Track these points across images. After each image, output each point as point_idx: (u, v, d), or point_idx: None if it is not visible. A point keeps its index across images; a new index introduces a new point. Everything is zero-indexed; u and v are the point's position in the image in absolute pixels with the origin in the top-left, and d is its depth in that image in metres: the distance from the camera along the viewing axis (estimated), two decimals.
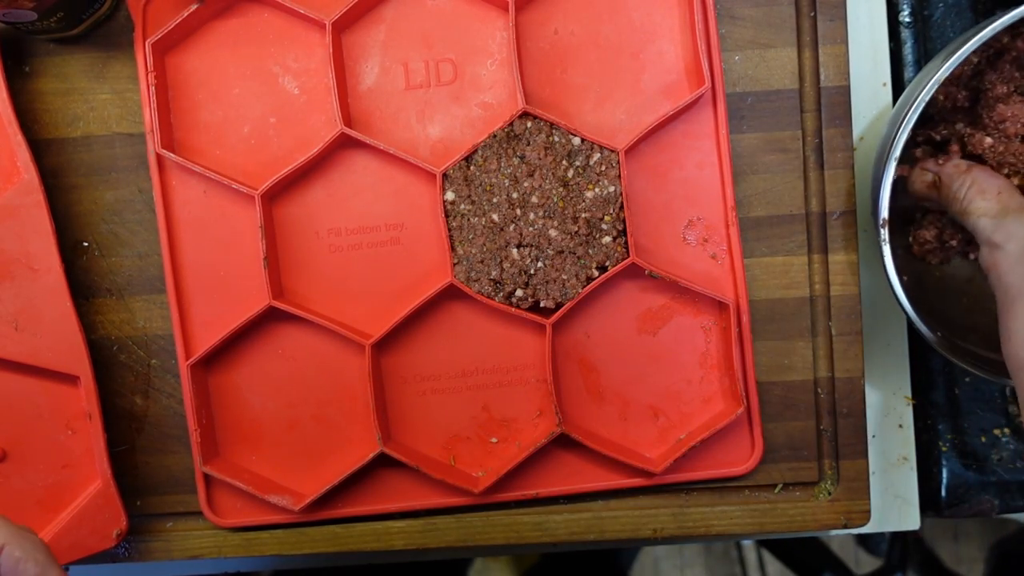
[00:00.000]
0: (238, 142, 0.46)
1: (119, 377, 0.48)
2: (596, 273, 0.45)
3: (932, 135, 0.47)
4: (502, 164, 0.44)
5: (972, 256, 0.48)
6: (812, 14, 0.46)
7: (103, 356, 0.48)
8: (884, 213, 0.43)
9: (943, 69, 0.41)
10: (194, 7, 0.45)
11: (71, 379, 0.45)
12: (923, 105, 0.41)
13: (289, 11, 0.45)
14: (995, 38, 0.44)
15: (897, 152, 0.42)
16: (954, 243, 0.47)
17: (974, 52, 0.44)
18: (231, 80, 0.46)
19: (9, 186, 0.44)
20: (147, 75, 0.45)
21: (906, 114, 0.42)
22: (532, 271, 0.45)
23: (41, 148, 0.47)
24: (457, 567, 0.89)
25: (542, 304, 0.45)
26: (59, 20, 0.44)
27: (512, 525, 0.48)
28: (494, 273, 0.45)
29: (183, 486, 0.48)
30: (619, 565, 0.98)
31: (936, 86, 0.41)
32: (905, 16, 0.49)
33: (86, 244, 0.48)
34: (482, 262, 0.45)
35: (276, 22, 0.46)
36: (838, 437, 0.47)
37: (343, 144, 0.46)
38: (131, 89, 0.47)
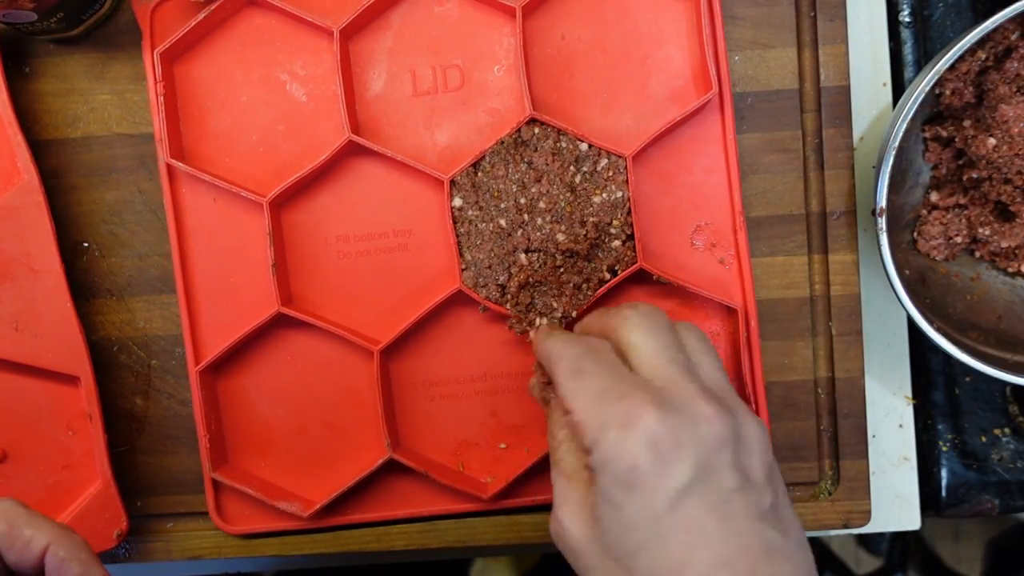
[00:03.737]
0: (247, 150, 0.46)
1: (119, 378, 0.48)
2: (608, 276, 0.45)
3: (940, 131, 0.47)
4: (510, 170, 0.44)
5: (977, 254, 0.48)
6: (812, 14, 0.46)
7: (103, 357, 0.48)
8: (882, 202, 0.43)
9: (945, 59, 0.41)
10: (202, 16, 0.44)
11: (71, 380, 0.45)
12: (923, 94, 0.41)
13: (296, 18, 0.45)
14: (1003, 35, 0.44)
15: (896, 143, 0.42)
16: (959, 239, 0.47)
17: (982, 49, 0.44)
18: (239, 88, 0.46)
19: (9, 187, 0.44)
20: (156, 84, 0.45)
21: (907, 104, 0.42)
22: None
23: (41, 149, 0.47)
24: (458, 567, 0.89)
25: None
26: (59, 21, 0.44)
27: (512, 525, 0.48)
28: (502, 278, 0.45)
29: (184, 487, 0.48)
30: None
31: (936, 77, 0.41)
32: (905, 16, 0.49)
33: (86, 245, 0.48)
34: (490, 267, 0.45)
35: (283, 29, 0.46)
36: (838, 437, 0.47)
37: (351, 151, 0.46)
38: (131, 90, 0.47)
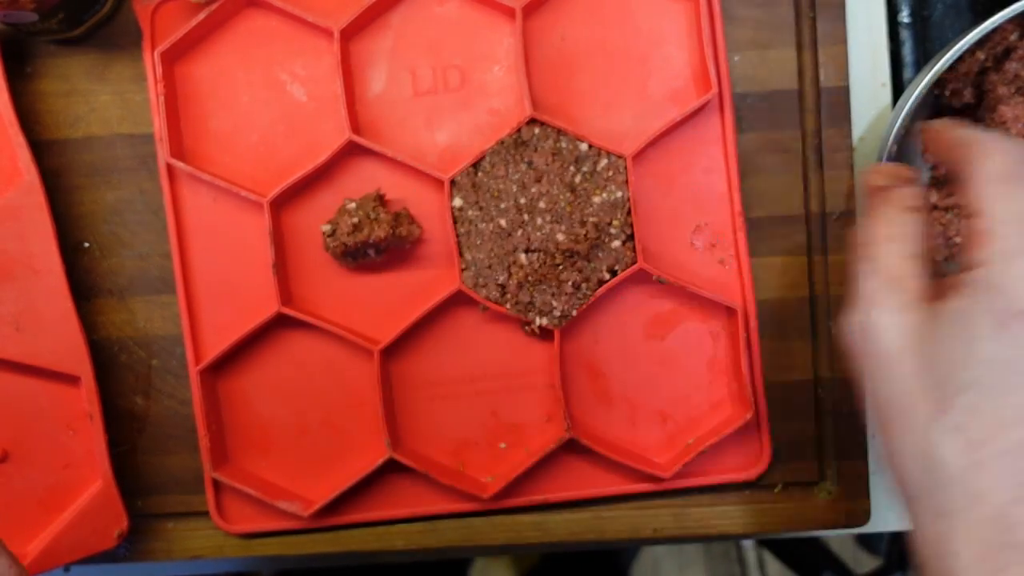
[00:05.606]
0: (247, 150, 0.46)
1: (120, 377, 0.48)
2: (607, 276, 0.45)
3: None
4: (510, 170, 0.44)
5: None
6: (812, 14, 0.46)
7: (104, 356, 0.48)
8: None
9: (944, 60, 0.41)
10: (202, 16, 0.44)
11: (72, 379, 0.45)
12: (923, 95, 0.41)
13: (297, 19, 0.45)
14: (1002, 36, 0.44)
15: (896, 143, 0.42)
16: (959, 239, 0.47)
17: (981, 50, 0.44)
18: (240, 88, 0.46)
19: (10, 187, 0.44)
20: (156, 85, 0.45)
21: (906, 104, 0.42)
22: None
23: (42, 149, 0.47)
24: (458, 567, 0.89)
25: None
26: (60, 21, 0.44)
27: (512, 525, 0.48)
28: (502, 278, 0.45)
29: (184, 486, 0.48)
30: (619, 565, 0.98)
31: (936, 78, 0.41)
32: (904, 17, 0.49)
33: (87, 245, 0.48)
34: (490, 267, 0.45)
35: (284, 30, 0.46)
36: (838, 437, 0.48)
37: (351, 151, 0.46)
38: (132, 90, 0.47)
